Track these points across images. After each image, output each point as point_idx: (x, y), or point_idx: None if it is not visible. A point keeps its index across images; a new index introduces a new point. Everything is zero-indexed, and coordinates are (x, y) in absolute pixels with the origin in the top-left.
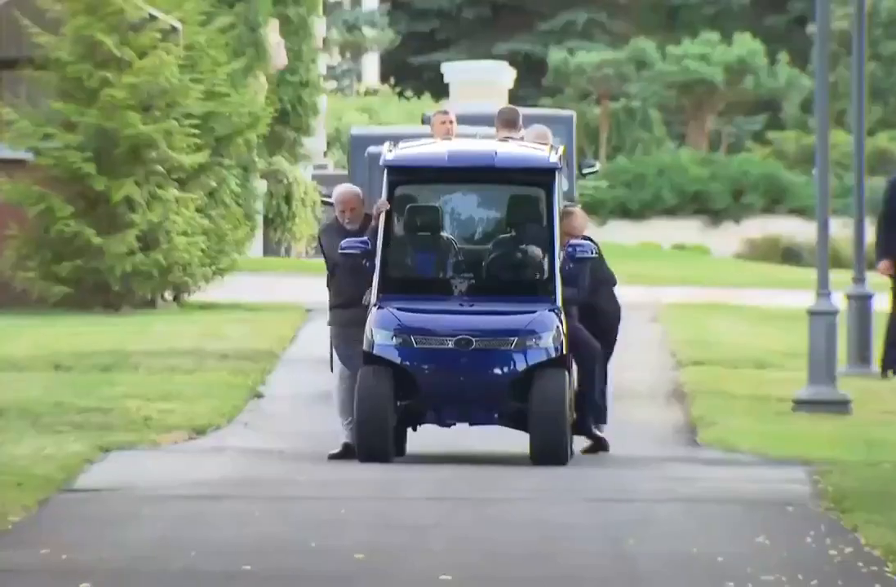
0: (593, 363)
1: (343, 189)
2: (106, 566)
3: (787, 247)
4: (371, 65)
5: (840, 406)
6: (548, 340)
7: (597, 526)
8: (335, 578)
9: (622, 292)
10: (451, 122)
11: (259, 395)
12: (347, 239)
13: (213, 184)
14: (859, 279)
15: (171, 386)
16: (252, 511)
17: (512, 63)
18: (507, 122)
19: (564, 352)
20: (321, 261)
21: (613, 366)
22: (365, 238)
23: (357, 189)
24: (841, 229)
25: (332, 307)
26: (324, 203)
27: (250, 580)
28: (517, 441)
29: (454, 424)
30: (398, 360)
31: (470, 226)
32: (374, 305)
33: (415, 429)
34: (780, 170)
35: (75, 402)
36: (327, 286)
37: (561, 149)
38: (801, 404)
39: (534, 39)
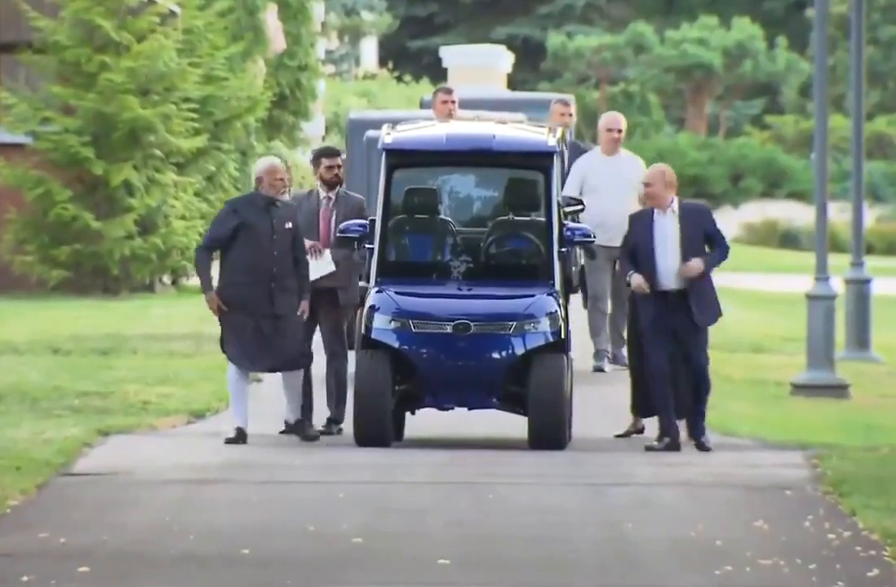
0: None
1: (271, 160)
2: (104, 550)
3: (786, 231)
4: (369, 49)
5: (838, 390)
6: (546, 324)
7: (595, 510)
8: (333, 562)
9: None
10: (453, 101)
11: (257, 380)
12: (346, 222)
13: (212, 168)
14: (857, 263)
15: (170, 370)
16: (250, 495)
17: (510, 47)
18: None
19: (563, 336)
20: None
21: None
22: (364, 221)
23: None
24: (839, 213)
25: (233, 283)
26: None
27: (248, 564)
28: (515, 425)
29: (452, 408)
30: (396, 345)
31: (468, 209)
32: (372, 289)
33: (413, 413)
34: (778, 154)
35: (74, 386)
36: (225, 261)
37: (560, 132)
38: (800, 388)
39: (532, 23)
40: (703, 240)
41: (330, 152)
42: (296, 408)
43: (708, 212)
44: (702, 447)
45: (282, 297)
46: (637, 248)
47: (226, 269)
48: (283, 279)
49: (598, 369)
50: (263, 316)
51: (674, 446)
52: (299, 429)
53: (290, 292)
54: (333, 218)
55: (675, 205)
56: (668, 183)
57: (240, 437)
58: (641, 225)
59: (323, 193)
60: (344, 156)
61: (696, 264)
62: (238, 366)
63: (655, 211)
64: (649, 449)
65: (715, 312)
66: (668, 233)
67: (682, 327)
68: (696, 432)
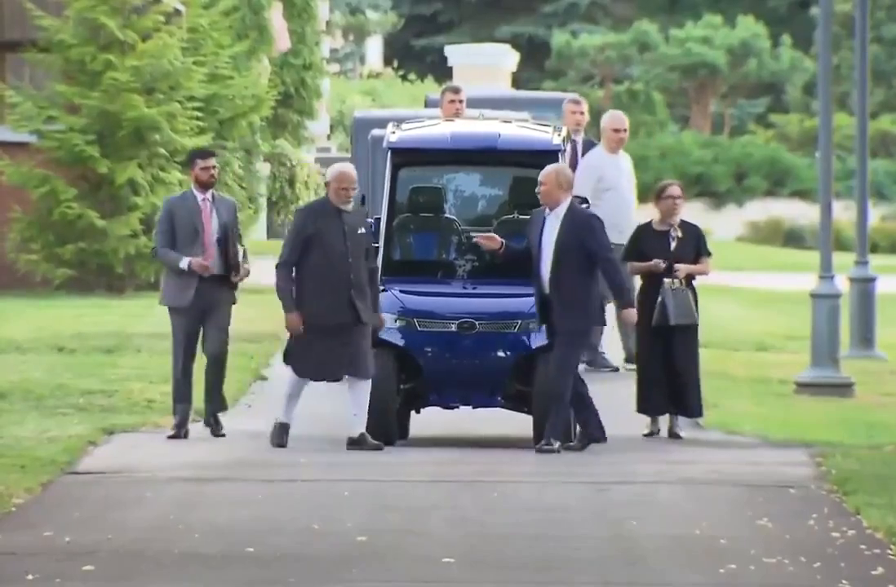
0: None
1: (346, 166)
2: (109, 548)
3: (790, 229)
4: (374, 48)
5: (842, 389)
6: None
7: (598, 508)
8: (337, 560)
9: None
10: (461, 101)
11: (262, 378)
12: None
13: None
14: (862, 262)
15: None
16: (255, 493)
17: (515, 46)
18: None
19: None
20: None
21: (616, 349)
22: (369, 220)
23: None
24: (843, 212)
25: (312, 293)
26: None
27: (253, 562)
28: (519, 424)
29: (457, 407)
30: (401, 344)
31: (473, 208)
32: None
33: (418, 412)
34: (782, 152)
35: (78, 385)
36: (294, 274)
37: (564, 130)
38: (804, 387)
39: (537, 22)
40: (579, 251)
41: (205, 153)
42: (361, 421)
43: (590, 223)
44: (541, 450)
45: (361, 305)
46: (530, 248)
47: (302, 279)
48: (361, 286)
49: (614, 369)
50: (343, 325)
51: (595, 439)
52: (363, 442)
53: (366, 300)
54: (215, 220)
55: (564, 208)
56: (560, 183)
57: (283, 432)
58: (533, 225)
59: (200, 196)
60: (217, 156)
61: (629, 316)
62: (304, 378)
63: (546, 212)
64: (568, 449)
65: (581, 318)
66: (552, 237)
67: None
68: (546, 434)
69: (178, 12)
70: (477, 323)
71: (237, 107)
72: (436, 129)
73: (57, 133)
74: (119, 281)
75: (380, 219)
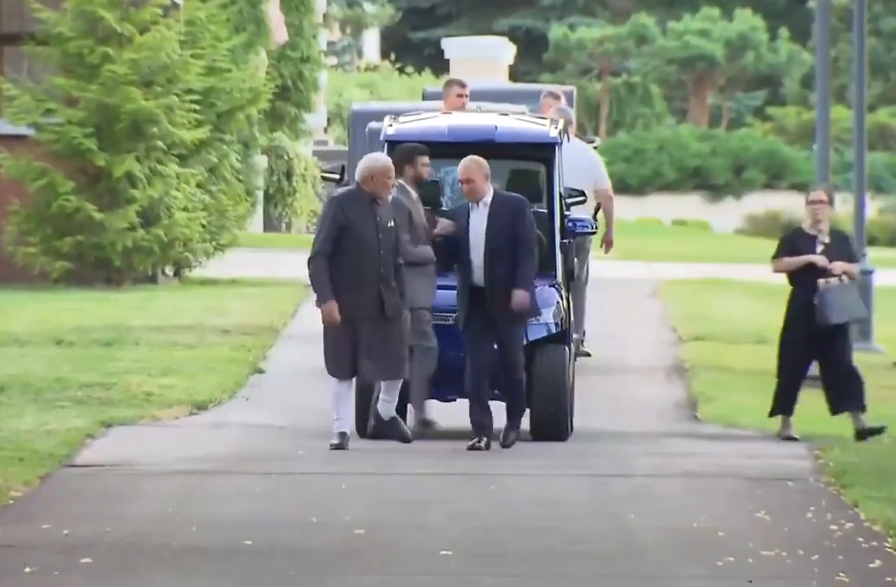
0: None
1: (386, 157)
2: (107, 541)
3: (788, 222)
4: (371, 40)
5: None
6: (548, 316)
7: (597, 501)
8: (336, 553)
9: (622, 268)
10: (466, 95)
11: (260, 371)
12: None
13: (214, 159)
14: (860, 255)
15: (173, 361)
16: (253, 486)
17: (513, 38)
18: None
19: (565, 327)
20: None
21: (614, 342)
22: None
23: None
24: (841, 205)
25: (342, 287)
26: (324, 179)
27: (251, 555)
28: None
29: (455, 400)
30: None
31: None
32: None
33: None
34: (780, 145)
35: (77, 378)
36: (329, 265)
37: (561, 123)
38: None
39: (535, 15)
40: (511, 237)
41: (425, 152)
42: (392, 405)
43: (520, 208)
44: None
45: (390, 300)
46: (457, 243)
47: (332, 271)
48: (390, 280)
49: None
50: (371, 320)
51: (483, 445)
52: (393, 425)
53: (396, 294)
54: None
55: (489, 198)
56: (486, 175)
57: (343, 443)
58: (458, 218)
59: (414, 194)
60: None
61: (521, 300)
62: (337, 378)
63: (470, 204)
64: (471, 449)
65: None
66: (481, 225)
67: (496, 323)
68: (502, 439)
69: (175, 5)
70: None
71: (235, 100)
72: (433, 121)
73: (55, 126)
74: (117, 274)
75: None
